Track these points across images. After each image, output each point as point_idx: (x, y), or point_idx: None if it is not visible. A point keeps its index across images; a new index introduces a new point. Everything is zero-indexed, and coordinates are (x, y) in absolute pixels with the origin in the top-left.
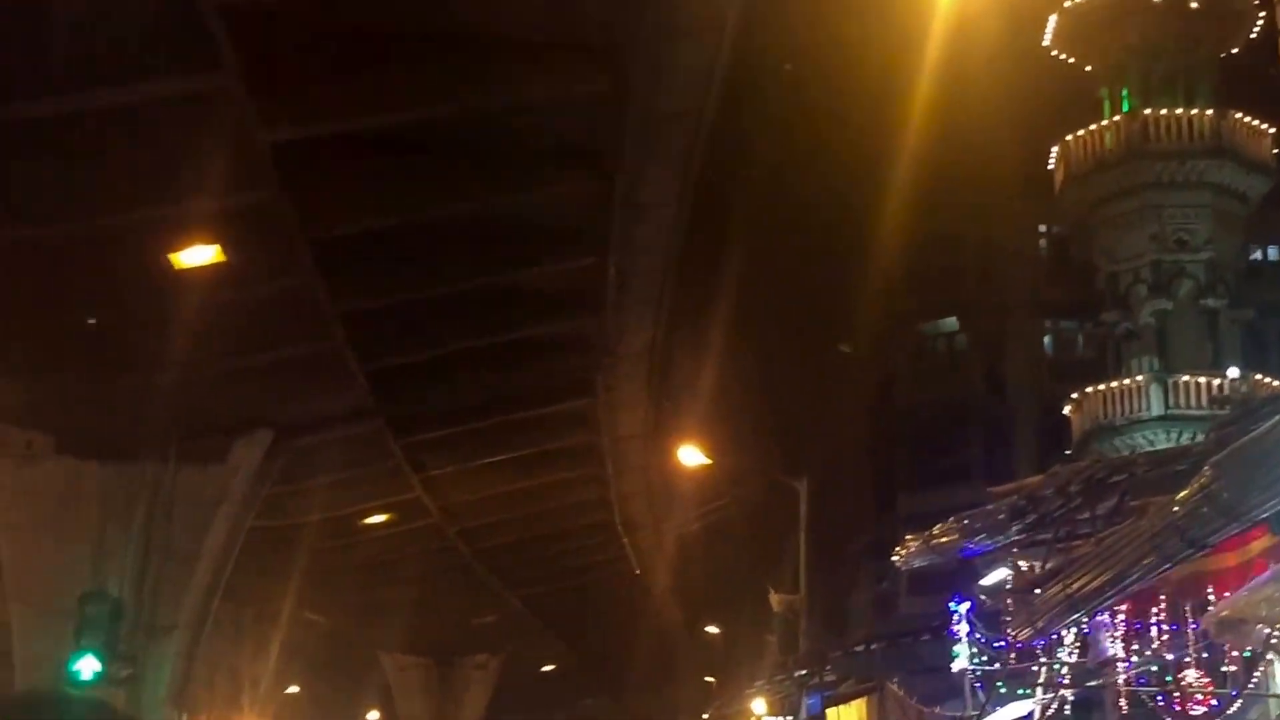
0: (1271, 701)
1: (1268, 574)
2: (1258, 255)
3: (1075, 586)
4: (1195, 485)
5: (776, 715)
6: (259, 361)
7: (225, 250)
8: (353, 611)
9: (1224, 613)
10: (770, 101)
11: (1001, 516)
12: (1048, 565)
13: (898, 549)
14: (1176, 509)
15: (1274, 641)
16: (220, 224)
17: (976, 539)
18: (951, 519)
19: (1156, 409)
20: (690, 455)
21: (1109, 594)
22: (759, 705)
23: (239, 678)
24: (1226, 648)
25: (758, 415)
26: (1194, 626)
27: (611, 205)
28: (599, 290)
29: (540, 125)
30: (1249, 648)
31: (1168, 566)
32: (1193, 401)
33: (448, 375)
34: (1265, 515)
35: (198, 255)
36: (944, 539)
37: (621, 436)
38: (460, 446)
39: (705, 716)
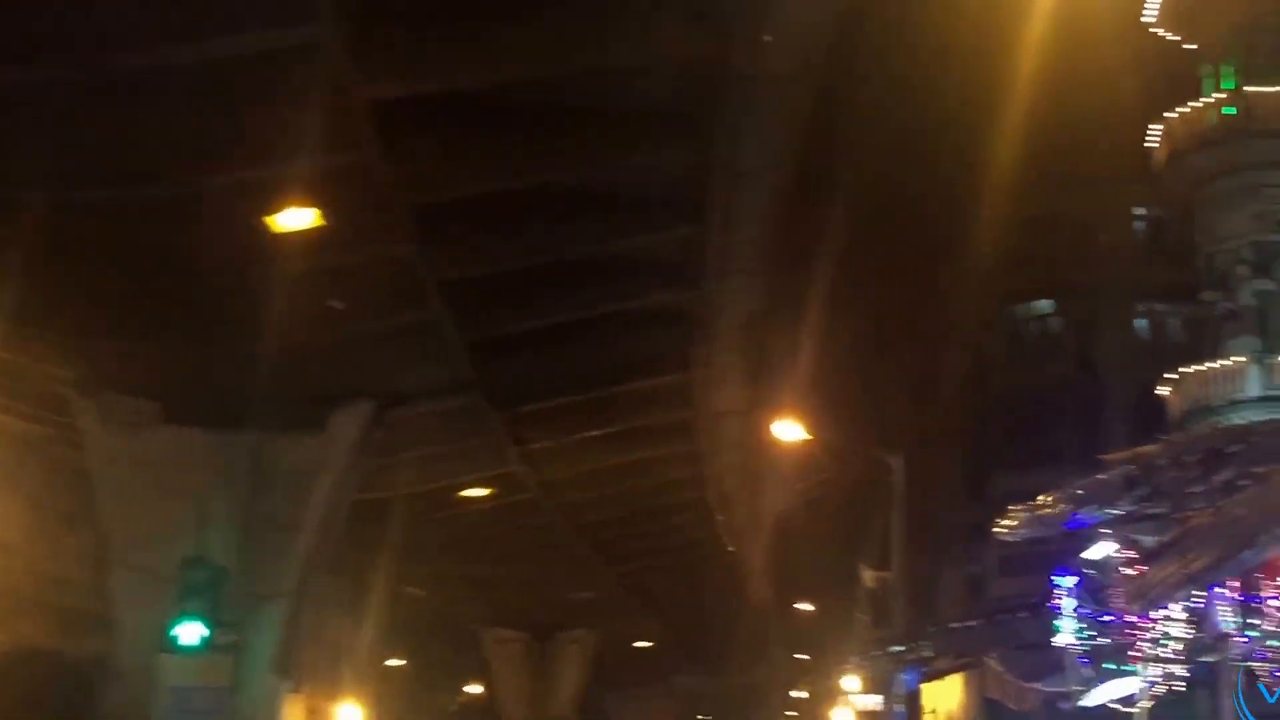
0: None
1: None
2: None
3: (1194, 559)
4: None
5: (869, 692)
6: (359, 331)
7: (324, 214)
8: (452, 586)
9: None
10: (872, 73)
11: (1113, 486)
12: (1164, 537)
13: (1002, 520)
14: None
15: None
16: (318, 186)
17: (1086, 509)
18: (1060, 489)
19: (1255, 390)
20: (787, 430)
21: (1232, 567)
22: (851, 682)
23: (340, 650)
24: None
25: (853, 393)
26: None
27: (711, 173)
28: (698, 261)
29: (640, 88)
30: None
31: None
32: None
33: (547, 347)
34: None
35: (295, 219)
36: (1051, 509)
37: (719, 412)
38: (559, 420)
39: (794, 693)
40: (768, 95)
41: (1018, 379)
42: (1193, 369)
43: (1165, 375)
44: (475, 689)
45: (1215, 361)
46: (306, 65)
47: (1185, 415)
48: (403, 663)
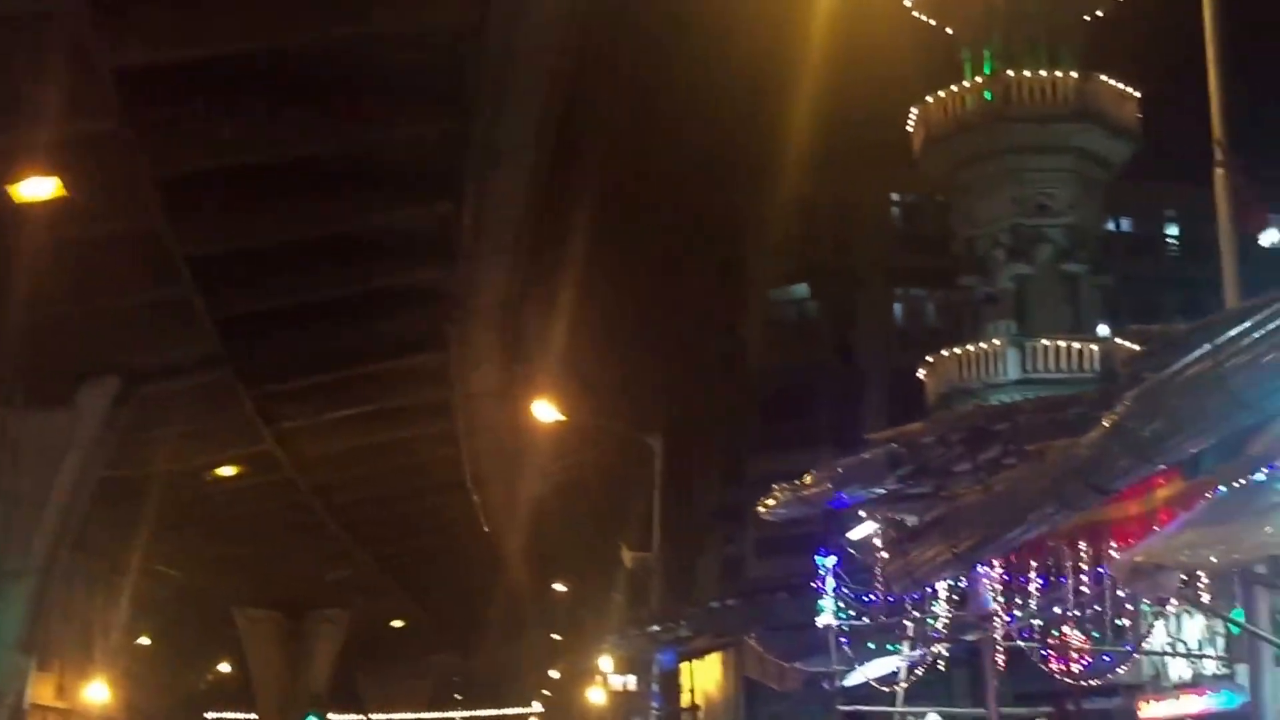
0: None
1: (1186, 518)
2: (1110, 226)
3: (962, 538)
4: (1107, 423)
5: (624, 672)
6: (106, 304)
7: (66, 184)
8: (204, 564)
9: (1138, 559)
10: (636, 53)
11: (878, 465)
12: (929, 516)
13: (764, 500)
14: (1082, 450)
15: (1186, 591)
16: (60, 154)
17: (850, 488)
18: (824, 468)
19: (1013, 372)
20: (544, 412)
21: (1000, 546)
22: (607, 662)
23: (90, 628)
24: (1121, 600)
25: (612, 375)
26: (1088, 577)
27: (468, 149)
28: (453, 239)
29: (396, 60)
30: (1157, 598)
31: (1070, 515)
32: (1050, 365)
33: (299, 324)
34: (1181, 457)
35: (37, 188)
36: (815, 489)
37: (475, 393)
38: (312, 399)
39: (549, 673)
40: (527, 70)
41: (775, 362)
42: (950, 353)
43: (925, 359)
44: (228, 667)
45: (973, 345)
46: (48, 28)
47: (942, 398)
48: (154, 641)
